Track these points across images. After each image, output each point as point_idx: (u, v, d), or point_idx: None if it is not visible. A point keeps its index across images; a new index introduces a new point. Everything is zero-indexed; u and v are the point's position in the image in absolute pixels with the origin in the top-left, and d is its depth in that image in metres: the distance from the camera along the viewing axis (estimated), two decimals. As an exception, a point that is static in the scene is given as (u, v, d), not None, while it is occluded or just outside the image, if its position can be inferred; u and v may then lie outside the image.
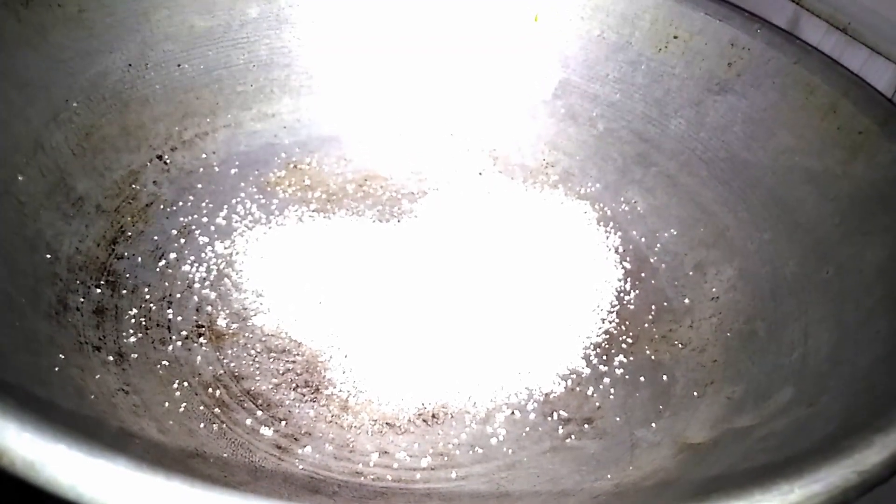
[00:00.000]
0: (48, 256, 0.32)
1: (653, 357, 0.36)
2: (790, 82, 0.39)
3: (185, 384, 0.31)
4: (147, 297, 0.35)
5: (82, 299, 0.32)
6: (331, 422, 0.32)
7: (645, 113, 0.45)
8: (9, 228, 0.30)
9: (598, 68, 0.47)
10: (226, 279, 0.37)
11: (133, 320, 0.33)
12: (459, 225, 0.43)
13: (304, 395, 0.33)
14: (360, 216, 0.44)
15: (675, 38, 0.44)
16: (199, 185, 0.41)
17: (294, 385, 0.33)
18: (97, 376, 0.29)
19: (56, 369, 0.27)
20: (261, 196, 0.43)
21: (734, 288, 0.37)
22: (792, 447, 0.24)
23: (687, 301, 0.39)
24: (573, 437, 0.33)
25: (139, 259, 0.36)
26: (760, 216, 0.38)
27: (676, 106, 0.44)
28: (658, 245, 0.42)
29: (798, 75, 0.39)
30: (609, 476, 0.29)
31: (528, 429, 0.33)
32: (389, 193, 0.46)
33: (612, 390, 0.35)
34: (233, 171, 0.43)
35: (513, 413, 0.34)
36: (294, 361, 0.34)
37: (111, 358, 0.31)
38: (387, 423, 0.32)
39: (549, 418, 0.33)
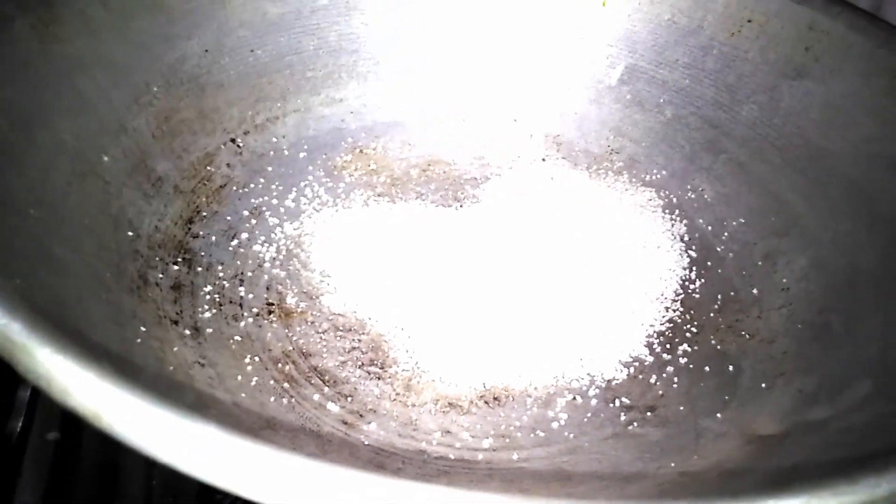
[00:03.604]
0: (130, 234, 0.34)
1: (718, 347, 0.36)
2: (874, 68, 0.38)
3: (257, 359, 0.33)
4: (220, 274, 0.36)
5: (161, 275, 0.34)
6: (395, 400, 0.32)
7: (715, 99, 0.44)
8: (95, 206, 0.32)
9: (667, 53, 0.46)
10: (294, 259, 0.38)
11: (208, 296, 0.35)
12: (522, 210, 0.43)
13: (369, 374, 0.33)
14: (423, 201, 0.44)
15: (749, 21, 0.43)
16: (270, 168, 0.43)
17: (359, 363, 0.34)
18: (175, 349, 0.31)
19: (138, 341, 0.29)
20: (328, 179, 0.44)
21: (807, 278, 0.36)
22: (874, 442, 0.23)
23: (755, 291, 0.38)
24: (636, 424, 0.32)
25: (213, 238, 0.38)
26: (838, 206, 0.36)
27: (749, 91, 0.43)
28: (726, 234, 0.41)
29: (883, 60, 0.37)
30: (673, 464, 0.29)
31: (589, 414, 0.33)
32: (452, 178, 0.46)
33: (675, 379, 0.34)
34: (301, 154, 0.44)
35: (574, 398, 0.34)
36: (359, 340, 0.35)
37: (188, 332, 0.32)
38: (449, 404, 0.33)
39: (611, 405, 0.33)
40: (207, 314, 0.34)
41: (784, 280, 0.37)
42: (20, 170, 0.28)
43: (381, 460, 0.29)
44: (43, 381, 0.16)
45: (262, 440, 0.16)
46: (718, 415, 0.32)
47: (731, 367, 0.34)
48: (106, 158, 0.34)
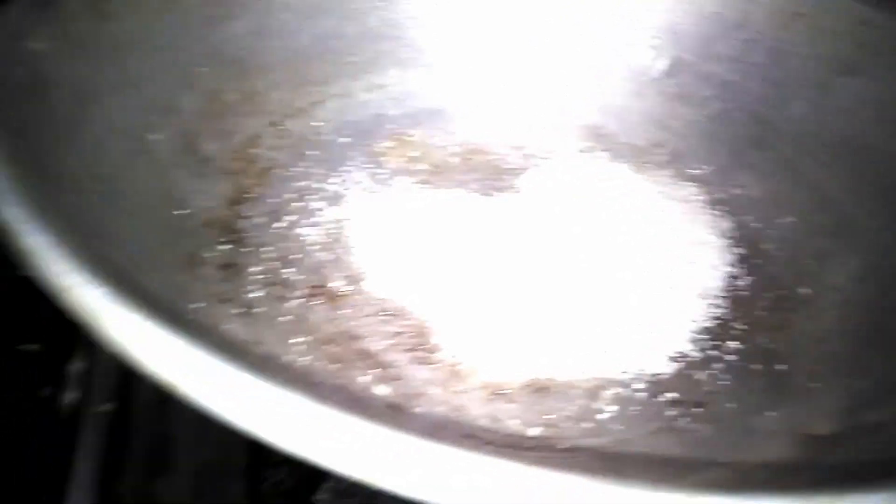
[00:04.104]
0: (180, 212, 0.34)
1: (767, 345, 0.35)
2: (931, 65, 0.37)
3: (304, 340, 0.33)
4: (267, 256, 0.36)
5: (211, 254, 0.34)
6: (440, 386, 0.32)
7: (763, 94, 0.44)
8: (147, 185, 0.32)
9: (713, 46, 0.46)
10: (338, 243, 0.38)
11: (255, 277, 0.35)
12: (563, 201, 0.43)
13: (415, 358, 0.33)
14: (464, 189, 0.44)
15: (801, 15, 0.42)
16: (313, 153, 0.43)
17: (405, 348, 0.34)
18: (227, 327, 0.31)
19: (194, 318, 0.29)
20: (369, 165, 0.44)
21: (860, 280, 0.35)
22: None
23: (806, 290, 0.37)
24: (684, 419, 0.32)
25: (259, 220, 0.38)
26: (893, 207, 0.36)
27: (798, 87, 0.42)
28: (773, 231, 0.41)
29: (942, 57, 0.37)
30: (724, 460, 0.29)
31: (637, 407, 0.32)
32: (493, 167, 0.46)
33: (723, 376, 0.34)
34: (343, 140, 0.44)
35: (620, 391, 0.33)
36: (405, 325, 0.35)
37: (238, 311, 0.32)
38: (495, 392, 0.33)
39: (658, 399, 0.33)
40: (256, 294, 0.34)
41: (836, 280, 0.36)
42: (78, 145, 0.28)
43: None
44: (125, 349, 0.16)
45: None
46: (768, 413, 0.31)
47: (780, 366, 0.34)
48: (155, 137, 0.34)
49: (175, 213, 0.33)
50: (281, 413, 0.16)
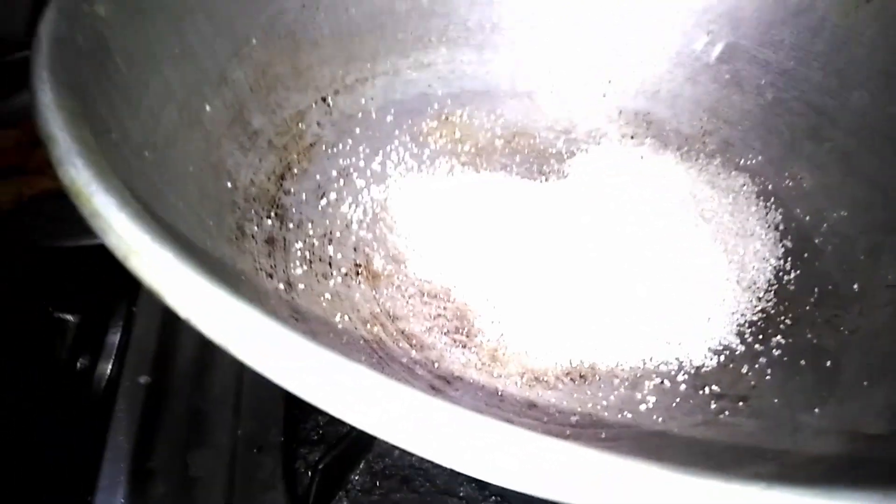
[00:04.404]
0: (228, 185, 0.34)
1: (815, 341, 0.34)
2: None
3: (346, 318, 0.33)
4: (311, 232, 0.36)
5: (256, 228, 0.34)
6: (480, 369, 0.32)
7: (823, 83, 0.42)
8: (199, 155, 0.32)
9: (772, 32, 0.44)
10: (381, 223, 0.38)
11: (299, 253, 0.35)
12: (608, 188, 0.42)
13: (455, 341, 0.33)
14: (508, 172, 0.44)
15: (868, 1, 0.41)
16: (358, 130, 0.42)
17: (445, 330, 0.34)
18: (272, 301, 0.31)
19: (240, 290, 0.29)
20: (414, 145, 0.43)
21: (916, 277, 0.34)
22: None
23: (856, 287, 0.36)
24: (727, 413, 0.31)
25: (304, 196, 0.38)
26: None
27: (861, 77, 0.41)
28: (825, 225, 0.39)
29: None
30: (769, 457, 0.28)
31: (678, 399, 0.32)
32: (538, 151, 0.45)
33: (768, 371, 0.33)
34: (388, 118, 0.44)
35: (662, 382, 0.33)
36: (445, 308, 0.35)
37: (282, 286, 0.32)
38: (535, 378, 0.32)
39: (701, 392, 0.32)
40: (299, 270, 0.34)
41: (889, 277, 0.35)
42: (136, 112, 0.28)
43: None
44: (191, 312, 0.16)
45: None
46: (817, 410, 0.31)
47: (829, 363, 0.33)
48: (208, 108, 0.34)
49: (225, 184, 0.33)
50: (333, 379, 0.15)
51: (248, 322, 0.15)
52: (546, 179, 0.43)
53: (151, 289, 0.16)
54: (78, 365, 0.35)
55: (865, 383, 0.31)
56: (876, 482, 0.17)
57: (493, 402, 0.31)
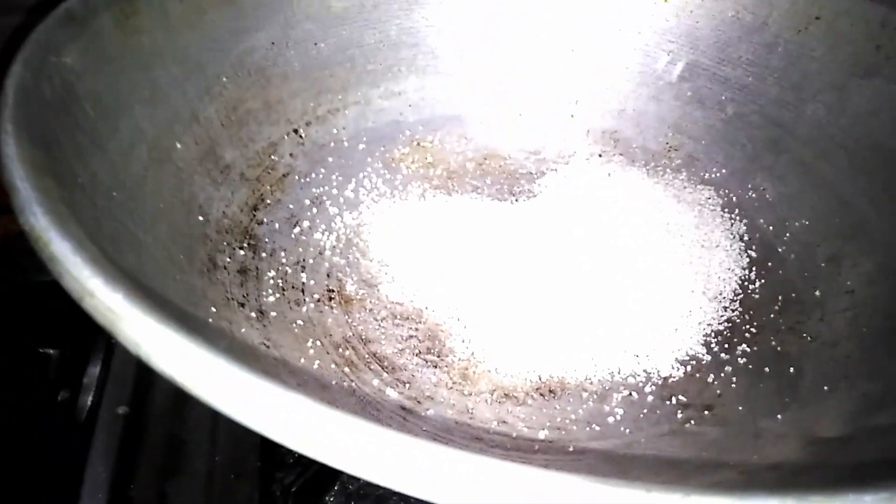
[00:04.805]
0: (200, 218, 0.35)
1: (778, 348, 0.35)
2: (949, 66, 0.37)
3: (318, 343, 0.33)
4: (283, 260, 0.37)
5: (228, 259, 0.35)
6: (451, 388, 0.33)
7: (779, 97, 0.43)
8: (169, 191, 0.33)
9: (729, 50, 0.45)
10: (354, 248, 0.39)
11: (272, 281, 0.36)
12: (578, 206, 0.43)
13: (427, 361, 0.34)
14: (479, 194, 0.45)
15: (818, 18, 0.42)
16: (330, 159, 0.44)
17: (417, 351, 0.34)
18: (242, 330, 0.32)
19: (209, 321, 0.30)
20: (386, 171, 0.45)
21: (872, 282, 0.35)
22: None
23: (818, 293, 0.37)
24: (693, 422, 0.32)
25: (277, 225, 0.39)
26: (908, 209, 0.36)
27: (815, 91, 0.42)
28: (787, 234, 0.40)
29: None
30: (731, 463, 0.29)
31: (645, 410, 0.33)
32: (508, 173, 0.47)
33: (733, 379, 0.34)
34: (360, 146, 0.45)
35: (630, 394, 0.34)
36: (417, 329, 0.36)
37: (254, 314, 0.33)
38: (505, 394, 0.33)
39: (668, 402, 0.33)
40: (271, 298, 0.35)
41: (848, 283, 0.36)
42: (105, 154, 0.29)
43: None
44: (142, 350, 0.17)
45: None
46: (779, 416, 0.31)
47: (791, 369, 0.34)
48: (179, 146, 0.35)
49: (196, 218, 0.34)
50: (294, 417, 0.16)
51: (194, 359, 0.16)
52: (516, 200, 0.44)
53: (105, 328, 0.17)
54: (59, 397, 0.36)
55: (825, 388, 0.32)
56: (828, 486, 0.17)
57: (464, 420, 0.32)
